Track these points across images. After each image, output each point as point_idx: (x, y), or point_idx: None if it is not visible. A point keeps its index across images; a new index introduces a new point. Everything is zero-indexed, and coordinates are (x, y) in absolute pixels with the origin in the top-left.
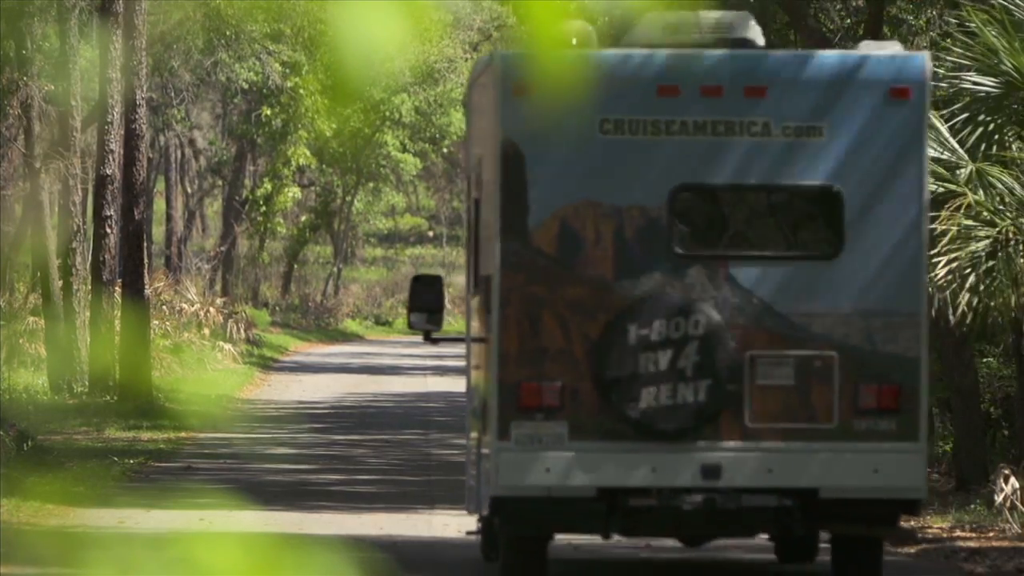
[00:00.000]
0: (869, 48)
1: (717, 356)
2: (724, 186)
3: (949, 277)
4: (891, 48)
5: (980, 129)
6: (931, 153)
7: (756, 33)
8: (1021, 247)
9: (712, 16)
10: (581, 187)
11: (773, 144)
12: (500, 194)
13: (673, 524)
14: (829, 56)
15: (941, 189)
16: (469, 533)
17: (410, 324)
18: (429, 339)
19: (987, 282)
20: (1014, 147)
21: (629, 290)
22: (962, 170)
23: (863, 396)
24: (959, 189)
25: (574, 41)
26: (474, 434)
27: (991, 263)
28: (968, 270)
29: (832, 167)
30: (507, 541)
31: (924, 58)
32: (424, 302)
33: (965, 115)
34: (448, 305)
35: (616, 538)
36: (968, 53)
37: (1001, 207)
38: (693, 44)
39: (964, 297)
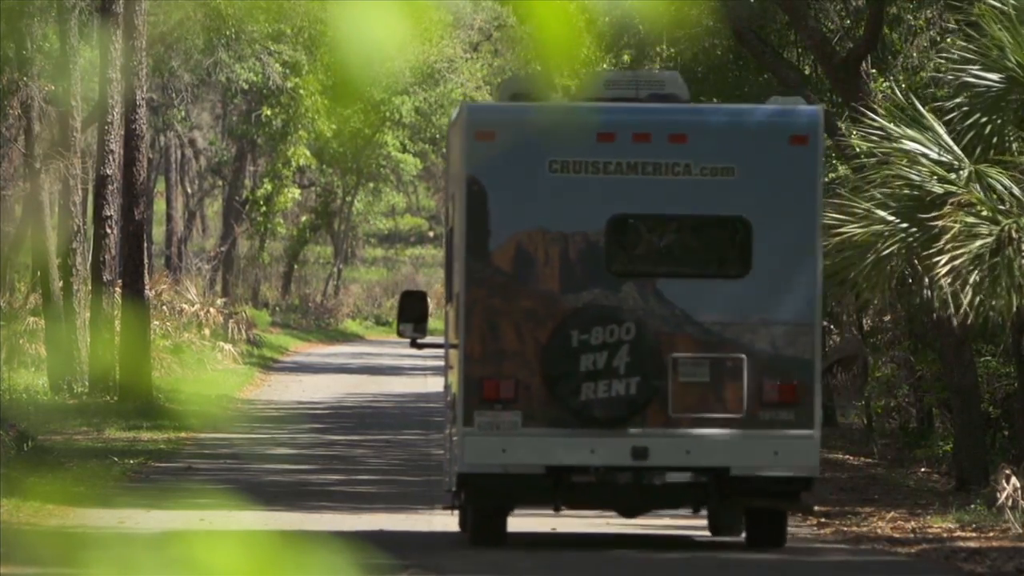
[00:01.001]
0: (775, 102)
1: (645, 357)
2: (652, 216)
3: (951, 276)
4: (794, 103)
5: (977, 130)
6: (932, 155)
7: (682, 89)
8: (1020, 249)
9: (644, 75)
10: (533, 216)
11: (693, 182)
12: (466, 222)
13: (609, 498)
14: (740, 108)
15: (940, 190)
16: (444, 507)
17: (399, 332)
18: (415, 345)
19: (988, 281)
20: (1014, 147)
21: (572, 302)
22: (961, 171)
23: (767, 391)
24: (959, 189)
25: (529, 95)
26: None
27: (995, 260)
28: (970, 268)
29: (742, 201)
30: (473, 512)
31: (819, 111)
32: (411, 314)
33: (965, 110)
34: (436, 309)
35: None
36: (971, 46)
37: (1002, 207)
38: (629, 98)
39: (967, 295)
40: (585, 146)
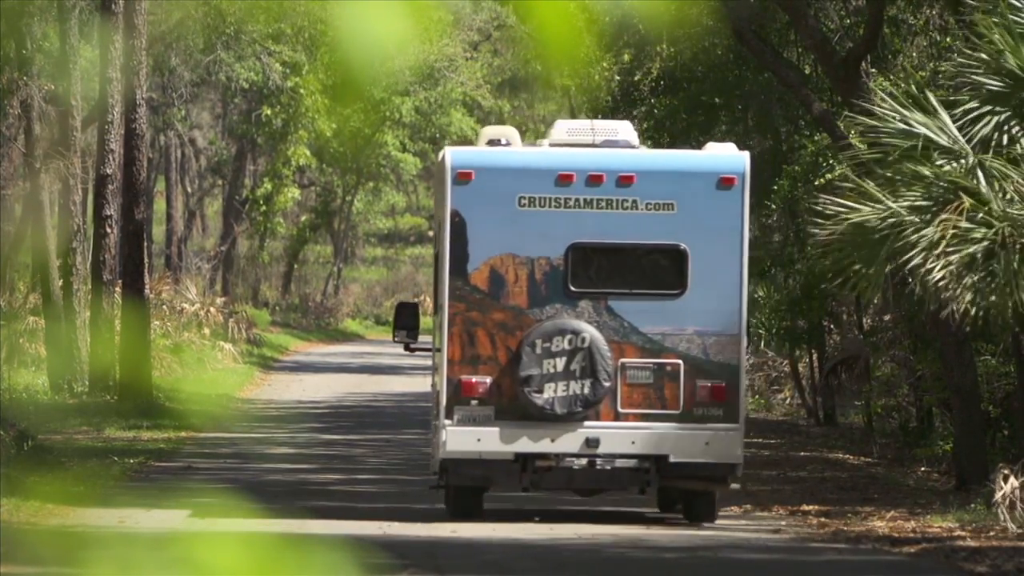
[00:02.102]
0: (710, 149)
1: (598, 362)
2: (604, 245)
3: (945, 280)
4: (725, 149)
5: (979, 126)
6: (939, 141)
7: (632, 135)
8: (1018, 248)
9: (600, 124)
10: (504, 244)
11: (639, 216)
12: (449, 247)
13: (567, 480)
14: (679, 155)
15: (943, 186)
16: (431, 487)
17: (394, 339)
18: (408, 349)
19: (983, 284)
20: (1020, 143)
21: (537, 315)
22: (965, 160)
23: (699, 391)
24: (963, 182)
25: (503, 141)
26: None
27: (991, 263)
28: (964, 272)
29: (680, 232)
30: (453, 492)
31: (746, 156)
32: (405, 323)
33: (966, 107)
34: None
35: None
36: (971, 52)
37: (1003, 202)
38: (587, 144)
39: (965, 296)
40: (548, 185)
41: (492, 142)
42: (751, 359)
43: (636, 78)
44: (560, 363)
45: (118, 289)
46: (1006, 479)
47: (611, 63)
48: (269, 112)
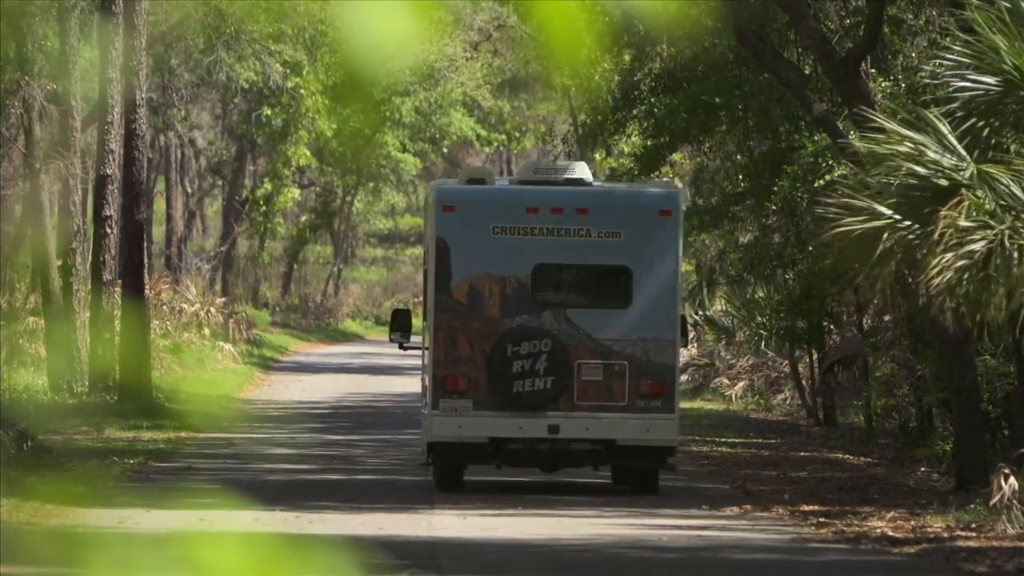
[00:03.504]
0: (650, 185)
1: (558, 363)
2: (564, 265)
3: (945, 279)
4: (664, 186)
5: (975, 134)
6: (931, 155)
7: (587, 173)
8: (1017, 249)
9: (562, 165)
10: (481, 264)
11: (592, 242)
12: (435, 268)
13: (532, 460)
14: (626, 190)
15: (945, 182)
16: (422, 464)
17: (390, 339)
18: (402, 348)
19: (979, 284)
20: (1012, 149)
21: (508, 324)
22: (964, 172)
23: (642, 387)
24: (964, 182)
25: (481, 180)
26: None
27: (991, 263)
28: (963, 273)
29: (626, 255)
30: (438, 468)
31: (680, 192)
32: (399, 325)
33: (961, 115)
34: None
35: None
36: (968, 51)
37: (1003, 202)
38: (549, 182)
39: (961, 299)
40: (518, 216)
41: (472, 180)
42: (751, 359)
43: (636, 78)
44: (527, 363)
45: (118, 289)
46: (1006, 479)
47: (611, 63)
48: (269, 112)
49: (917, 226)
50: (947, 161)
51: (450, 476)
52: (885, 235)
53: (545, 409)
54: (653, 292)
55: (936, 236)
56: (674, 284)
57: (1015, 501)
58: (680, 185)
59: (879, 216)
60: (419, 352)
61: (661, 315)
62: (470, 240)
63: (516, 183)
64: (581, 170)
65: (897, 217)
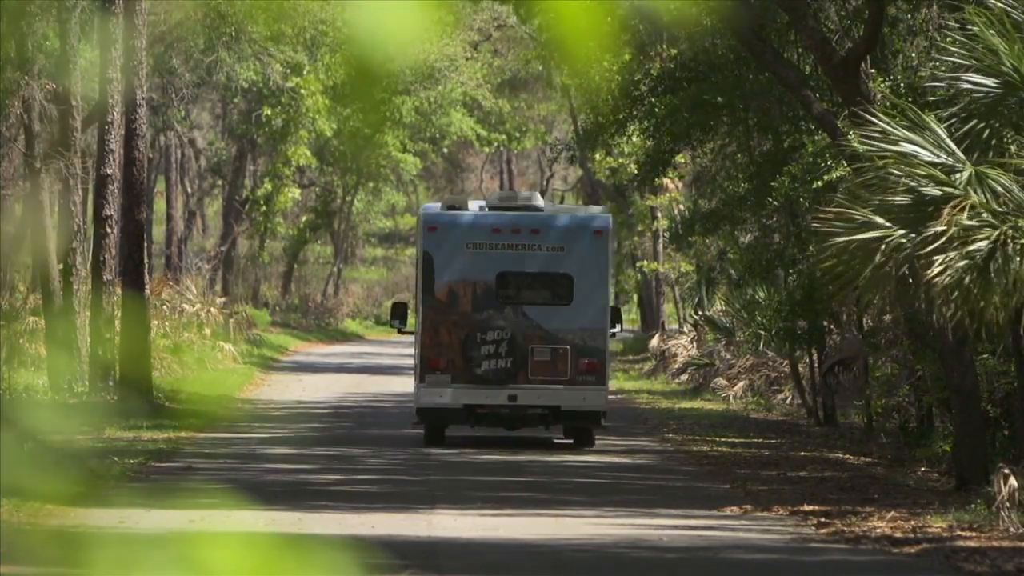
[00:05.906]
0: (588, 210)
1: (516, 347)
2: (521, 273)
3: (945, 279)
4: (599, 211)
5: (975, 136)
6: (927, 157)
7: (540, 200)
8: (1018, 249)
9: (522, 194)
10: (457, 272)
11: (543, 255)
12: (421, 276)
13: (497, 421)
14: (569, 215)
15: (938, 192)
16: (412, 424)
17: (390, 324)
18: (400, 332)
19: (980, 285)
20: (1012, 148)
21: (477, 317)
22: (961, 173)
23: (580, 365)
24: (958, 192)
25: (458, 206)
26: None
27: (992, 263)
28: (963, 273)
29: (568, 265)
30: (426, 428)
31: (610, 216)
32: (398, 315)
33: (963, 116)
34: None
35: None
36: (967, 53)
37: (1001, 209)
38: (511, 207)
39: (960, 299)
40: (486, 235)
41: (451, 207)
42: (751, 359)
43: (636, 78)
44: (492, 348)
45: (118, 289)
46: (1006, 479)
47: (611, 62)
48: (269, 112)
49: (913, 235)
50: (943, 163)
51: (435, 434)
52: (882, 247)
53: (506, 383)
54: (589, 293)
55: (939, 231)
56: (604, 286)
57: (1015, 501)
58: (681, 187)
59: (874, 226)
60: (412, 339)
61: (595, 310)
62: (449, 253)
63: (487, 208)
64: (535, 199)
65: (891, 227)
